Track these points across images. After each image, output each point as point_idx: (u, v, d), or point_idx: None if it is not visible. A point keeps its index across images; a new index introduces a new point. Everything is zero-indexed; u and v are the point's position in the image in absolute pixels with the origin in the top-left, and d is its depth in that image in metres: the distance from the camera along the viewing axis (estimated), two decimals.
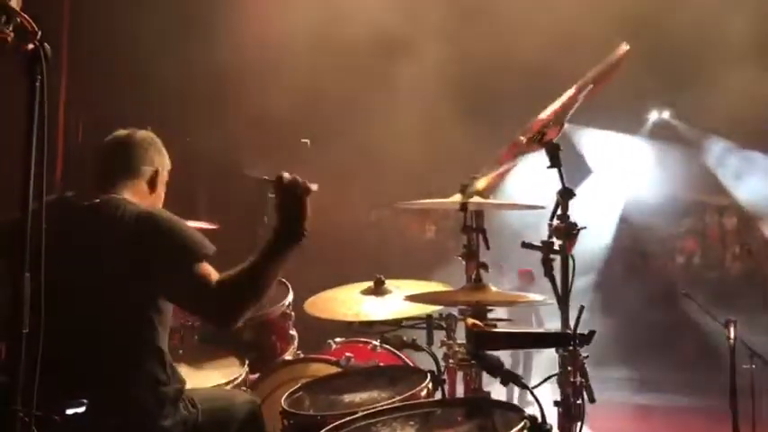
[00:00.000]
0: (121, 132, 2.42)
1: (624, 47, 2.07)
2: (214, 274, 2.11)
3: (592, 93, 2.09)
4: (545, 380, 2.15)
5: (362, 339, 3.34)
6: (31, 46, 1.41)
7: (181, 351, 3.13)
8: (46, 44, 1.42)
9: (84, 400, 1.50)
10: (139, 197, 2.31)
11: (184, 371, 2.39)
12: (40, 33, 1.39)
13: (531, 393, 1.91)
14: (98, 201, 2.20)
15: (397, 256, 9.81)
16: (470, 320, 2.04)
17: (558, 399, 2.07)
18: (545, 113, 2.20)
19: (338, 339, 3.41)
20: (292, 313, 3.44)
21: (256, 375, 3.16)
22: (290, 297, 3.43)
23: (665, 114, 12.73)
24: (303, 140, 4.59)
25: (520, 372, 7.51)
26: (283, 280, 3.51)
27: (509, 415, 1.97)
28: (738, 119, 8.82)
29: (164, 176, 2.46)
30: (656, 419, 7.63)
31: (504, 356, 1.92)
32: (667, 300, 10.09)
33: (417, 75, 7.96)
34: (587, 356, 2.08)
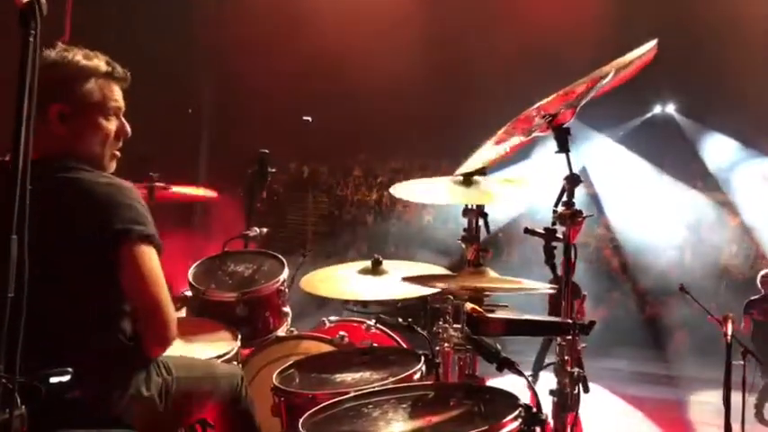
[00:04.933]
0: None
1: (653, 43, 1.99)
2: None
3: (611, 83, 2.02)
4: (541, 368, 2.12)
5: (357, 319, 3.32)
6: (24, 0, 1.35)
7: None
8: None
9: (70, 369, 1.45)
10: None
11: (175, 344, 2.35)
12: None
13: (527, 381, 1.87)
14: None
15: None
16: (469, 305, 2.00)
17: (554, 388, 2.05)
18: (548, 98, 2.12)
19: (332, 318, 3.38)
20: (287, 290, 3.39)
21: (248, 350, 3.13)
22: (285, 273, 3.39)
23: (669, 108, 12.64)
24: (305, 118, 4.56)
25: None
26: (278, 255, 3.47)
27: (503, 402, 1.94)
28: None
29: (81, 108, 2.02)
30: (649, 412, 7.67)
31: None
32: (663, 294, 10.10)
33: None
34: (585, 346, 2.05)
